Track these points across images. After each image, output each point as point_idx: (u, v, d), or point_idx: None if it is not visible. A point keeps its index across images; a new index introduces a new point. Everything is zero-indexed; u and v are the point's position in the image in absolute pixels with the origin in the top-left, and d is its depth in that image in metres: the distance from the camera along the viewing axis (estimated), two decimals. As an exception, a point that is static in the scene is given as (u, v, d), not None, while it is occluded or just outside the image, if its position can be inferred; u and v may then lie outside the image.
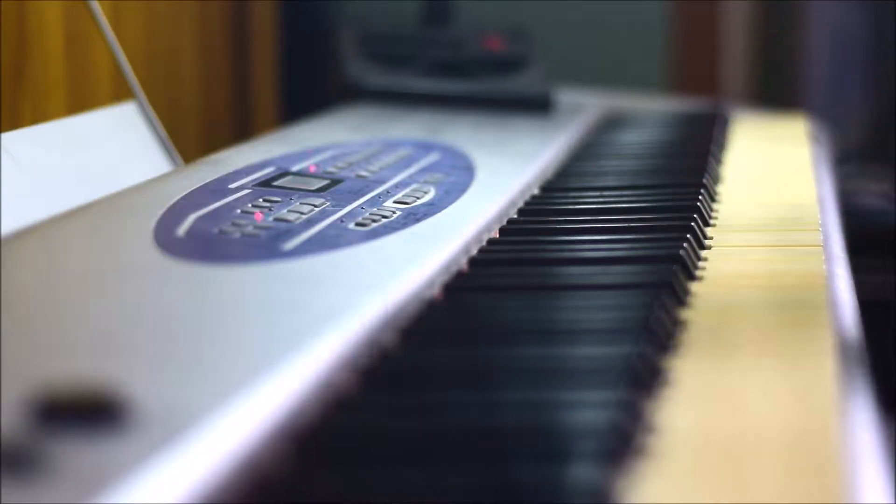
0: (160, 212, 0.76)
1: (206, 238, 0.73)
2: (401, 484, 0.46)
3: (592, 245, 0.82)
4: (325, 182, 0.90)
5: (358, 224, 0.79)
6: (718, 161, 1.15)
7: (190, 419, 0.47)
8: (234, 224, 0.76)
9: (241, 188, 0.85)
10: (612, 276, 0.75)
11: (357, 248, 0.74)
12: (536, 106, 1.36)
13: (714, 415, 0.54)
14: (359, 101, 1.33)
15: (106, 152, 0.96)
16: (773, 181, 1.10)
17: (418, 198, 0.87)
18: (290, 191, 0.86)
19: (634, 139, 1.30)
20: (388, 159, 1.00)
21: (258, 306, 0.64)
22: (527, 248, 0.83)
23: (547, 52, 1.48)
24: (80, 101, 1.04)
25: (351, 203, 0.84)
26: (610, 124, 1.39)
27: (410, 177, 0.94)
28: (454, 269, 0.75)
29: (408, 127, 1.20)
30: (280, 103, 1.49)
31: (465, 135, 1.16)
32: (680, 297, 0.70)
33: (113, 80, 1.07)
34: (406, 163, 1.00)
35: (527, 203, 0.95)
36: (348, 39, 1.40)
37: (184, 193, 0.81)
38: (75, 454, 0.44)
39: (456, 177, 0.95)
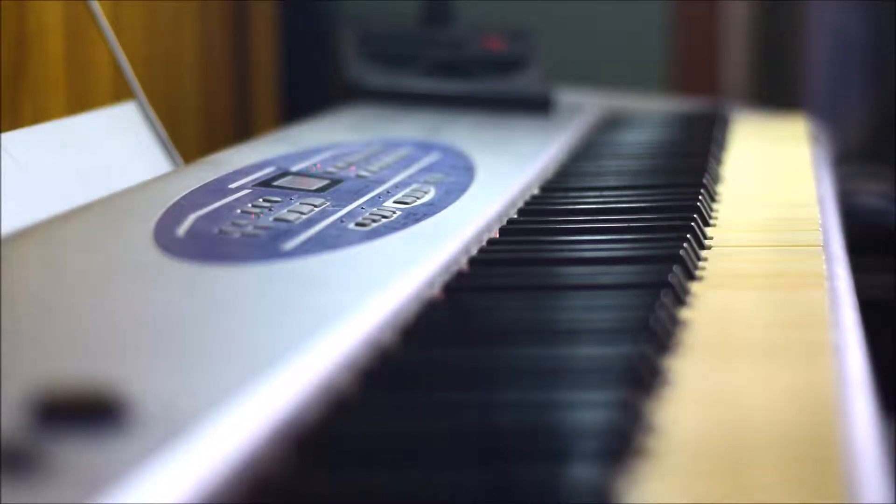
0: (160, 212, 0.76)
1: (206, 238, 0.73)
2: (401, 484, 0.47)
3: (592, 245, 0.82)
4: (325, 182, 0.90)
5: (358, 224, 0.79)
6: (718, 161, 1.15)
7: (190, 419, 0.47)
8: (234, 224, 0.76)
9: (241, 188, 0.85)
10: (612, 276, 0.75)
11: (357, 248, 0.74)
12: (536, 106, 1.36)
13: (714, 415, 0.54)
14: (359, 101, 1.33)
15: (106, 152, 0.96)
16: (773, 181, 1.10)
17: (418, 198, 0.87)
18: (290, 191, 0.86)
19: (634, 139, 1.30)
20: (388, 159, 1.00)
21: (258, 306, 0.64)
22: (527, 248, 0.83)
23: (547, 52, 1.48)
24: (80, 101, 1.04)
25: (351, 203, 0.84)
26: (610, 124, 1.39)
27: (410, 177, 0.94)
28: (454, 269, 0.75)
29: (408, 127, 1.20)
30: (280, 103, 1.49)
31: (465, 135, 1.16)
32: (680, 297, 0.70)
33: (113, 80, 1.07)
34: (406, 163, 1.00)
35: (527, 203, 0.95)
36: (348, 39, 1.40)
37: (184, 193, 0.81)
38: (75, 454, 0.44)
39: (456, 177, 0.95)
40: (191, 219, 0.76)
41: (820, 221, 0.90)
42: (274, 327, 0.60)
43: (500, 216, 0.88)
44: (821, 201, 0.99)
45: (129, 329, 0.58)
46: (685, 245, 0.77)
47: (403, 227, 0.79)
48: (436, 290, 0.71)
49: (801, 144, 1.29)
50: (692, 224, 0.84)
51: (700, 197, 0.92)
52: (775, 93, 2.10)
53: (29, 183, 0.84)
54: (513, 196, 0.93)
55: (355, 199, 0.85)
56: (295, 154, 0.98)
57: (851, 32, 2.36)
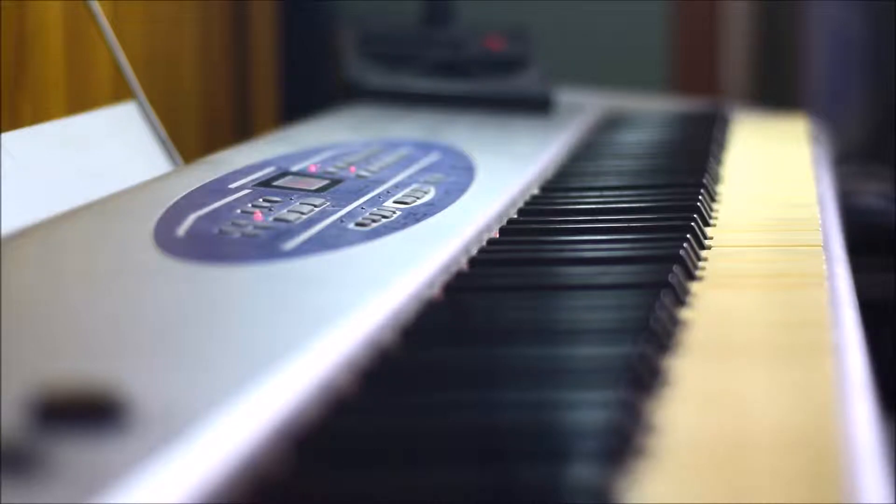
0: (160, 212, 0.76)
1: (206, 238, 0.73)
2: (401, 484, 0.46)
3: (592, 245, 0.82)
4: (325, 182, 0.90)
5: (358, 224, 0.79)
6: (718, 161, 1.15)
7: (190, 419, 0.47)
8: (234, 224, 0.76)
9: (241, 188, 0.85)
10: (612, 276, 0.75)
11: (357, 248, 0.74)
12: (536, 106, 1.36)
13: (714, 415, 0.54)
14: (359, 101, 1.33)
15: (106, 152, 0.96)
16: (773, 181, 1.10)
17: (418, 198, 0.87)
18: (290, 191, 0.86)
19: (634, 139, 1.30)
20: (388, 159, 1.00)
21: (258, 306, 0.64)
22: (527, 248, 0.83)
23: (547, 52, 1.48)
24: (80, 101, 1.04)
25: (351, 203, 0.84)
26: (610, 124, 1.39)
27: (410, 177, 0.94)
28: (454, 269, 0.75)
29: (408, 127, 1.20)
30: (280, 103, 1.49)
31: (465, 135, 1.16)
32: (680, 297, 0.70)
33: (113, 80, 1.07)
34: (406, 163, 1.00)
35: (527, 203, 0.95)
36: (348, 39, 1.40)
37: (184, 193, 0.81)
38: (75, 454, 0.44)
39: (456, 177, 0.95)
40: (191, 219, 0.76)
41: (820, 221, 0.90)
42: (274, 327, 0.60)
43: (500, 216, 0.88)
44: (821, 201, 0.99)
45: (129, 329, 0.58)
46: (685, 245, 0.77)
47: (403, 227, 0.79)
48: (436, 290, 0.71)
49: (801, 144, 1.29)
50: (692, 224, 0.84)
51: (700, 197, 0.92)
52: (775, 93, 2.10)
53: (29, 183, 0.84)
54: (513, 196, 0.93)
55: (355, 199, 0.85)
56: (295, 154, 0.98)
57: (851, 32, 2.36)
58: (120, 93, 1.05)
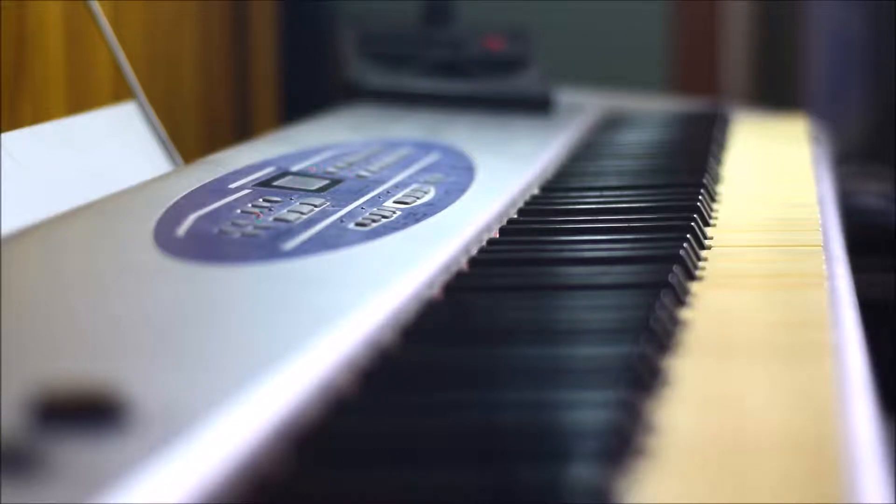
0: (160, 212, 0.76)
1: (206, 238, 0.73)
2: (401, 484, 0.47)
3: (592, 245, 0.82)
4: (325, 182, 0.90)
5: (358, 224, 0.79)
6: (718, 161, 1.15)
7: (190, 419, 0.47)
8: (234, 224, 0.76)
9: (241, 188, 0.85)
10: (612, 276, 0.75)
11: (357, 248, 0.74)
12: (536, 106, 1.36)
13: (714, 415, 0.54)
14: (359, 101, 1.33)
15: (106, 152, 0.96)
16: (773, 181, 1.10)
17: (418, 198, 0.87)
18: (290, 191, 0.86)
19: (634, 139, 1.30)
20: (388, 159, 1.00)
21: (258, 306, 0.64)
22: (527, 248, 0.83)
23: (547, 52, 1.48)
24: (80, 101, 1.04)
25: (351, 203, 0.84)
26: (610, 124, 1.39)
27: (410, 177, 0.94)
28: (454, 269, 0.75)
29: (408, 127, 1.20)
30: (280, 103, 1.49)
31: (465, 135, 1.16)
32: (680, 297, 0.70)
33: (113, 80, 1.07)
34: (406, 163, 1.00)
35: (527, 203, 0.95)
36: (348, 39, 1.40)
37: (184, 193, 0.81)
38: (75, 454, 0.44)
39: (456, 177, 0.95)
40: (191, 219, 0.76)
41: (820, 221, 0.90)
42: (274, 327, 0.60)
43: (500, 216, 0.88)
44: (821, 201, 0.99)
45: (129, 329, 0.58)
46: (685, 245, 0.77)
47: (403, 227, 0.79)
48: (436, 290, 0.71)
49: (801, 144, 1.29)
50: (692, 224, 0.84)
51: (700, 197, 0.92)
52: (775, 93, 2.10)
53: (29, 183, 0.84)
54: (513, 196, 0.93)
55: (355, 199, 0.85)
56: (295, 154, 0.98)
57: (851, 32, 2.36)
58: (120, 93, 1.05)
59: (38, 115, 0.98)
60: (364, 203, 0.84)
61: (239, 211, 0.79)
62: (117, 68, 1.02)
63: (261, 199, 0.82)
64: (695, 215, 0.86)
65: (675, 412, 0.54)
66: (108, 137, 0.97)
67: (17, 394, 0.48)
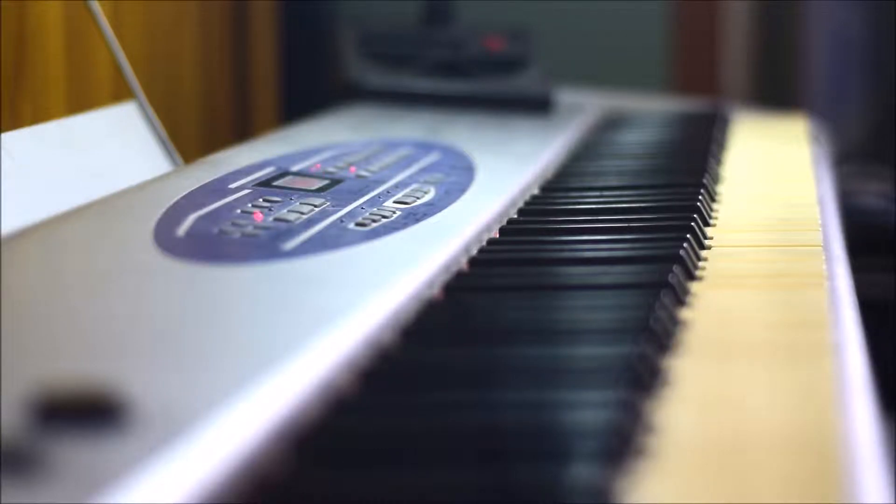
0: (160, 212, 0.76)
1: (206, 238, 0.73)
2: (401, 484, 0.47)
3: (592, 245, 0.82)
4: (325, 182, 0.90)
5: (358, 224, 0.79)
6: (718, 161, 1.15)
7: (190, 419, 0.47)
8: (234, 224, 0.76)
9: (241, 188, 0.85)
10: (612, 276, 0.75)
11: (357, 248, 0.74)
12: (536, 106, 1.36)
13: (714, 415, 0.54)
14: (359, 101, 1.33)
15: (106, 152, 0.96)
16: (773, 181, 1.10)
17: (418, 198, 0.87)
18: (290, 191, 0.86)
19: (634, 139, 1.30)
20: (388, 159, 1.00)
21: (258, 306, 0.64)
22: (527, 248, 0.83)
23: (547, 52, 1.48)
24: (80, 101, 1.04)
25: (351, 203, 0.84)
26: (610, 124, 1.39)
27: (410, 177, 0.94)
28: (454, 269, 0.75)
29: (408, 127, 1.20)
30: (280, 103, 1.49)
31: (465, 135, 1.16)
32: (680, 297, 0.70)
33: (113, 80, 1.07)
34: (406, 163, 1.00)
35: (527, 203, 0.95)
36: (348, 39, 1.40)
37: (184, 193, 0.81)
38: (75, 454, 0.44)
39: (456, 177, 0.95)
40: (191, 219, 0.76)
41: (820, 221, 0.90)
42: (274, 327, 0.60)
43: (500, 216, 0.88)
44: (821, 201, 0.99)
45: (129, 329, 0.58)
46: (685, 245, 0.77)
47: (403, 227, 0.79)
48: (436, 290, 0.71)
49: (801, 144, 1.29)
50: (692, 224, 0.84)
51: (700, 197, 0.92)
52: (775, 93, 2.10)
53: (29, 183, 0.84)
54: (513, 196, 0.93)
55: (355, 199, 0.85)
56: (295, 154, 0.98)
57: (851, 32, 2.36)
58: (120, 93, 1.05)
59: (38, 115, 0.98)
60: (364, 203, 0.84)
61: (239, 211, 0.79)
62: (117, 68, 1.02)
63: (261, 199, 0.82)
64: (695, 215, 0.86)
65: (675, 412, 0.54)
66: (108, 137, 0.97)
67: (17, 394, 0.48)
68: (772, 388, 0.57)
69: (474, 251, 0.80)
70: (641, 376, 0.56)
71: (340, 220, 0.79)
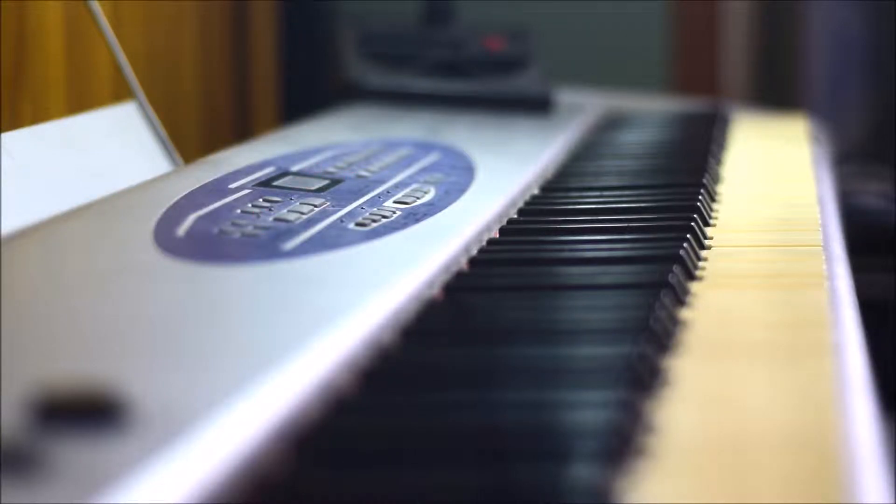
0: (160, 212, 0.76)
1: (206, 238, 0.73)
2: (401, 484, 0.47)
3: (592, 245, 0.82)
4: (325, 182, 0.90)
5: (358, 224, 0.79)
6: (718, 161, 1.15)
7: (190, 419, 0.47)
8: (234, 224, 0.76)
9: (241, 188, 0.85)
10: (612, 276, 0.75)
11: (357, 248, 0.74)
12: (536, 106, 1.36)
13: (714, 415, 0.54)
14: (359, 101, 1.33)
15: (106, 152, 0.96)
16: (773, 181, 1.10)
17: (418, 198, 0.87)
18: (290, 191, 0.86)
19: (634, 139, 1.30)
20: (388, 159, 1.00)
21: (258, 306, 0.64)
22: (527, 248, 0.83)
23: (547, 52, 1.48)
24: (80, 101, 1.04)
25: (351, 203, 0.84)
26: (610, 124, 1.39)
27: (410, 177, 0.94)
28: (454, 269, 0.75)
29: (408, 127, 1.20)
30: (280, 103, 1.49)
31: (465, 135, 1.16)
32: (680, 297, 0.70)
33: (113, 80, 1.07)
34: (406, 163, 1.00)
35: (527, 203, 0.95)
36: (348, 39, 1.40)
37: (184, 193, 0.81)
38: (75, 454, 0.44)
39: (456, 177, 0.95)
40: (191, 219, 0.76)
41: (820, 221, 0.90)
42: (274, 327, 0.60)
43: (500, 216, 0.88)
44: (821, 201, 0.99)
45: (129, 329, 0.58)
46: (685, 245, 0.77)
47: (403, 227, 0.79)
48: (436, 290, 0.71)
49: (801, 144, 1.29)
50: (692, 224, 0.84)
51: (700, 197, 0.92)
52: (775, 93, 2.10)
53: (29, 183, 0.84)
54: (513, 196, 0.93)
55: (355, 199, 0.85)
56: (295, 154, 0.98)
57: (851, 32, 2.36)
58: (120, 93, 1.05)
59: (38, 115, 0.98)
60: (364, 203, 0.84)
61: (239, 211, 0.79)
62: (117, 68, 1.02)
63: (261, 199, 0.82)
64: (695, 215, 0.86)
65: (675, 412, 0.54)
66: (108, 137, 0.97)
67: (17, 394, 0.48)
68: (772, 388, 0.57)
69: (474, 251, 0.80)
70: (641, 376, 0.56)
71: (340, 220, 0.79)
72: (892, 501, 0.47)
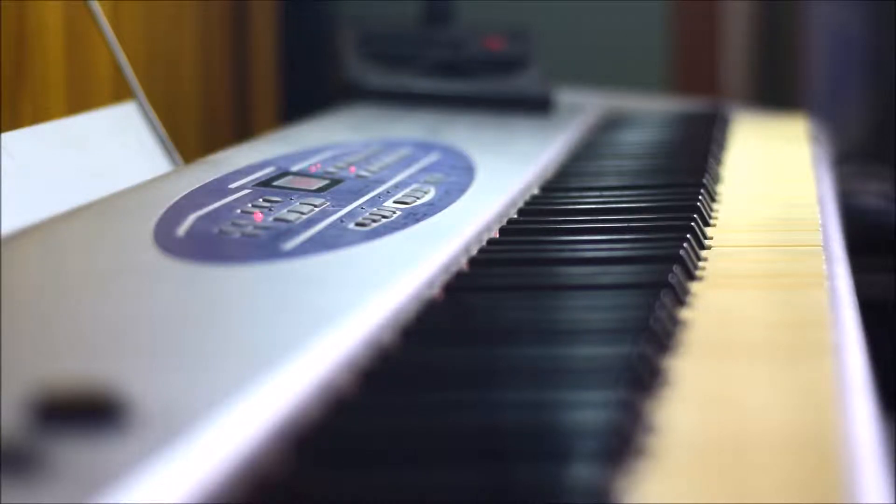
0: (160, 212, 0.76)
1: (206, 238, 0.73)
2: (401, 484, 0.47)
3: (592, 245, 0.82)
4: (325, 182, 0.90)
5: (358, 224, 0.79)
6: (718, 161, 1.15)
7: (190, 419, 0.47)
8: (234, 224, 0.76)
9: (241, 188, 0.85)
10: (612, 276, 0.75)
11: (357, 248, 0.74)
12: (536, 106, 1.36)
13: (714, 415, 0.54)
14: (359, 101, 1.33)
15: (106, 152, 0.96)
16: (773, 181, 1.10)
17: (418, 198, 0.87)
18: (290, 191, 0.86)
19: (634, 139, 1.30)
20: (388, 159, 1.00)
21: (258, 306, 0.64)
22: (527, 248, 0.83)
23: (547, 52, 1.48)
24: (80, 101, 1.04)
25: (351, 203, 0.84)
26: (610, 124, 1.39)
27: (410, 177, 0.94)
28: (454, 269, 0.75)
29: (408, 127, 1.20)
30: (280, 103, 1.49)
31: (465, 135, 1.16)
32: (680, 297, 0.70)
33: (113, 80, 1.07)
34: (406, 163, 1.00)
35: (527, 203, 0.95)
36: (348, 39, 1.40)
37: (184, 193, 0.81)
38: (75, 454, 0.44)
39: (456, 177, 0.95)
40: (191, 219, 0.76)
41: (820, 221, 0.90)
42: (274, 327, 0.60)
43: (500, 216, 0.88)
44: (821, 201, 0.99)
45: (129, 329, 0.58)
46: (685, 245, 0.77)
47: (403, 227, 0.79)
48: (436, 290, 0.71)
49: (801, 144, 1.29)
50: (692, 224, 0.84)
51: (700, 197, 0.92)
52: (775, 93, 2.10)
53: (29, 183, 0.84)
54: (513, 196, 0.93)
55: (355, 199, 0.85)
56: (295, 154, 0.98)
57: (851, 32, 2.36)
58: (120, 93, 1.05)
59: (38, 115, 0.98)
60: (364, 203, 0.84)
61: (239, 211, 0.79)
62: (117, 68, 1.02)
63: (261, 199, 0.82)
64: (695, 215, 0.86)
65: (675, 412, 0.54)
66: (108, 137, 0.97)
67: (17, 394, 0.48)
68: (772, 388, 0.57)
69: (474, 251, 0.80)
70: (641, 376, 0.56)
71: (340, 220, 0.79)
72: (893, 501, 0.47)
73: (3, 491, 0.41)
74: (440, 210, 0.84)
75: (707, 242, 0.84)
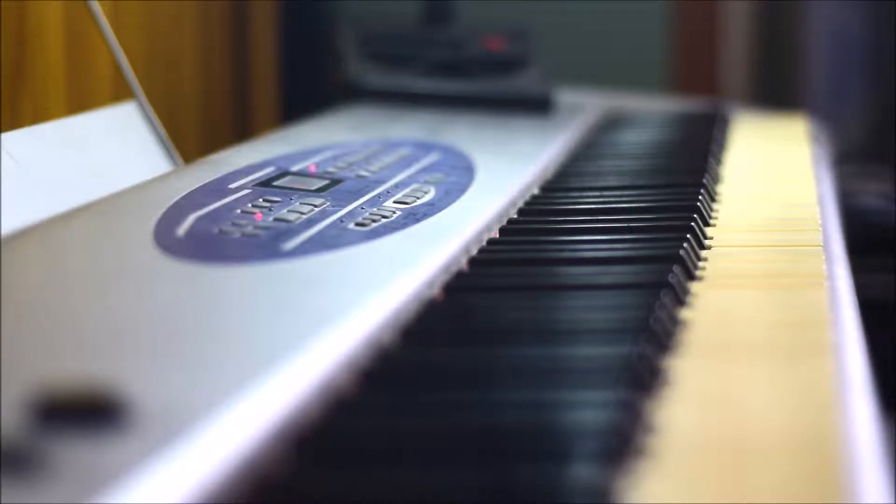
0: (160, 212, 0.76)
1: (206, 238, 0.73)
2: (401, 484, 0.47)
3: (592, 245, 0.82)
4: (325, 182, 0.90)
5: (358, 224, 0.79)
6: (718, 161, 1.15)
7: (190, 419, 0.47)
8: (234, 224, 0.76)
9: (241, 188, 0.85)
10: (612, 276, 0.75)
11: (357, 248, 0.74)
12: (536, 106, 1.36)
13: (714, 415, 0.54)
14: (359, 101, 1.33)
15: (106, 152, 0.96)
16: (773, 181, 1.10)
17: (418, 198, 0.87)
18: (290, 191, 0.86)
19: (634, 139, 1.30)
20: (388, 159, 1.00)
21: (258, 306, 0.64)
22: (527, 248, 0.83)
23: (547, 52, 1.48)
24: (80, 101, 1.04)
25: (351, 203, 0.84)
26: (610, 124, 1.39)
27: (410, 177, 0.94)
28: (454, 269, 0.75)
29: (408, 127, 1.20)
30: (280, 103, 1.49)
31: (465, 135, 1.16)
32: (680, 297, 0.70)
33: (113, 80, 1.07)
34: (406, 163, 1.00)
35: (527, 203, 0.95)
36: (348, 39, 1.40)
37: (184, 193, 0.81)
38: (75, 454, 0.44)
39: (456, 177, 0.95)
40: (191, 219, 0.76)
41: (820, 221, 0.90)
42: (274, 327, 0.60)
43: (500, 216, 0.88)
44: (821, 201, 0.99)
45: (129, 329, 0.58)
46: (685, 245, 0.77)
47: (403, 227, 0.79)
48: (436, 290, 0.71)
49: (801, 144, 1.29)
50: (692, 224, 0.84)
51: (700, 197, 0.92)
52: (775, 93, 2.10)
53: (29, 183, 0.84)
54: (513, 196, 0.93)
55: (355, 199, 0.85)
56: (295, 154, 0.98)
57: (851, 32, 2.36)
58: (120, 93, 1.05)
59: (38, 115, 0.98)
60: (364, 203, 0.84)
61: (239, 211, 0.79)
62: (117, 68, 1.02)
63: (261, 199, 0.82)
64: (695, 215, 0.86)
65: (675, 412, 0.54)
66: (108, 137, 0.97)
67: (17, 394, 0.48)
68: (772, 388, 0.57)
69: (474, 251, 0.80)
70: (641, 376, 0.56)
71: (340, 220, 0.79)
72: (893, 501, 0.47)
73: (3, 491, 0.41)
74: (440, 210, 0.84)
75: (707, 242, 0.84)
